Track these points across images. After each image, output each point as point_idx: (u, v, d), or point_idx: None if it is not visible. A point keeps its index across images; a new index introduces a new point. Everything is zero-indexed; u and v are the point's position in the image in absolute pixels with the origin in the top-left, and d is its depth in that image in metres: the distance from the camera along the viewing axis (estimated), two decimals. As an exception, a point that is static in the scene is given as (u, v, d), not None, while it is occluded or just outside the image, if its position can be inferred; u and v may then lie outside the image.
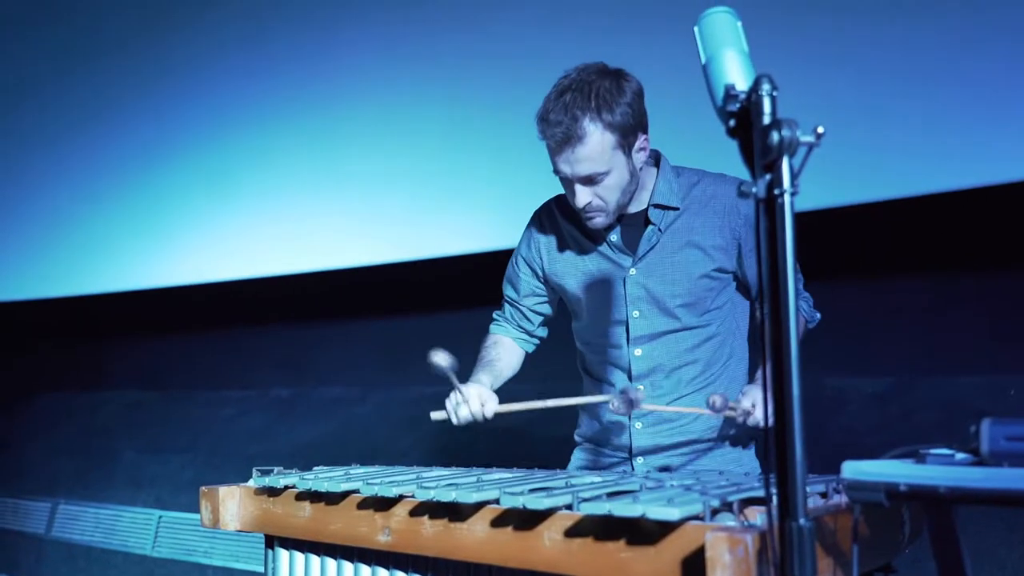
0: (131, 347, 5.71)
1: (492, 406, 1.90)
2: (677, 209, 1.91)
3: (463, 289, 4.10)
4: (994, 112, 2.67)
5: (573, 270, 1.99)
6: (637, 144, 1.83)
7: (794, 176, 1.05)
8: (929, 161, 2.79)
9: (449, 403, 1.91)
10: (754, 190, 1.06)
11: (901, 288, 3.04)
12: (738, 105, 1.09)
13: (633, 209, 1.92)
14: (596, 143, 1.77)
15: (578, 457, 2.09)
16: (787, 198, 1.05)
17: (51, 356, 6.07)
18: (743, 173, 1.09)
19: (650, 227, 1.91)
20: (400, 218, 4.18)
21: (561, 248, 2.01)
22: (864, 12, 2.83)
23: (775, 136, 1.03)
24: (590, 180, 1.81)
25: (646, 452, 1.96)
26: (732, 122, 1.10)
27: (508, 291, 2.13)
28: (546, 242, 2.04)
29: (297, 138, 4.52)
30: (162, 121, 5.09)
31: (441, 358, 1.87)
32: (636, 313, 1.92)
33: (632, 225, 1.93)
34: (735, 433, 1.96)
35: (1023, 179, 2.62)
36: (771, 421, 1.62)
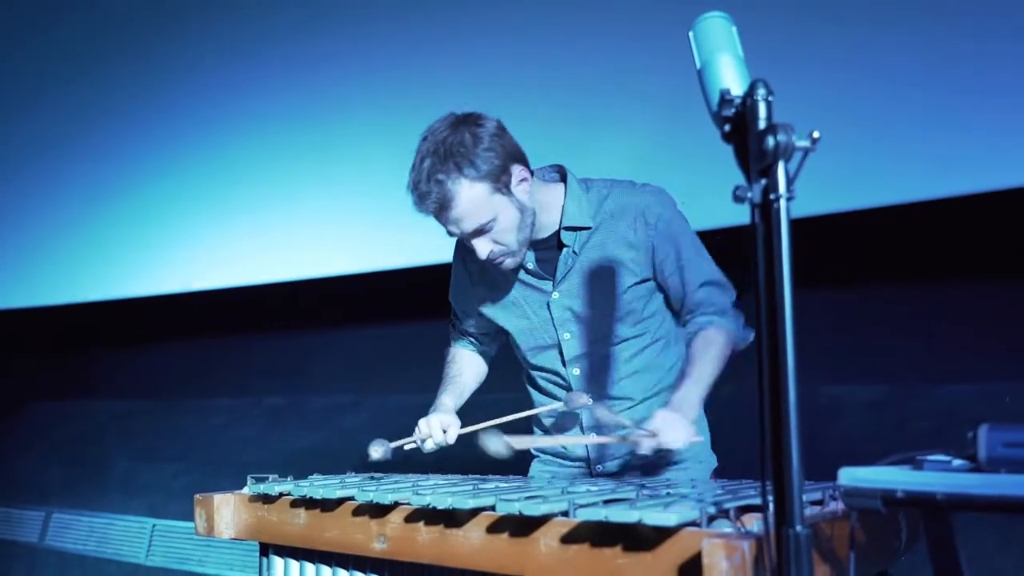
0: (124, 355, 5.68)
1: (454, 432, 1.94)
2: (589, 228, 1.88)
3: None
4: (991, 118, 2.67)
5: (498, 300, 1.99)
6: (514, 179, 1.80)
7: (790, 181, 1.05)
8: (925, 167, 2.79)
9: (416, 436, 1.95)
10: (750, 195, 1.06)
11: (897, 295, 3.04)
12: (733, 110, 1.09)
13: (544, 234, 1.90)
14: (468, 199, 1.76)
15: (537, 468, 2.09)
16: (783, 203, 1.05)
17: (44, 364, 6.05)
18: (739, 178, 1.09)
19: (565, 250, 1.90)
20: (393, 225, 4.16)
21: (483, 278, 2.01)
22: (860, 17, 2.84)
23: (771, 141, 1.03)
24: (480, 232, 1.80)
25: (603, 461, 1.97)
26: (727, 127, 1.10)
27: (457, 318, 2.16)
28: (468, 274, 2.05)
29: (289, 146, 4.51)
30: (153, 131, 5.08)
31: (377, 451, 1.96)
32: (567, 335, 1.93)
33: (546, 249, 1.92)
34: (644, 459, 1.84)
35: (1020, 186, 2.62)
36: (679, 445, 1.64)
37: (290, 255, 4.51)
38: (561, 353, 1.93)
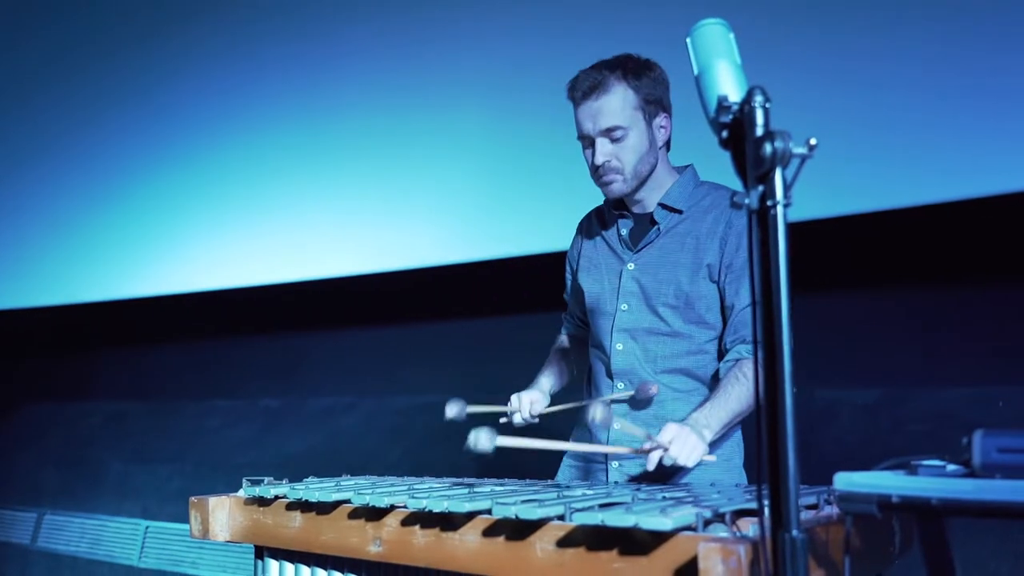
0: (118, 357, 5.67)
1: (537, 407, 2.00)
2: (680, 212, 1.95)
3: (454, 299, 4.10)
4: (987, 123, 2.68)
5: (588, 263, 2.07)
6: (658, 120, 1.92)
7: (787, 188, 1.06)
8: (920, 173, 2.80)
9: (508, 407, 2.00)
10: (747, 201, 1.07)
11: (892, 300, 3.04)
12: (731, 116, 1.10)
13: (646, 208, 1.98)
14: (619, 96, 1.86)
15: (566, 464, 2.11)
16: (780, 209, 1.05)
17: (37, 365, 6.03)
18: (735, 184, 1.10)
19: (654, 226, 1.97)
20: (390, 228, 4.18)
21: (590, 247, 2.09)
22: (858, 24, 2.85)
23: (768, 148, 1.04)
24: (609, 134, 1.87)
25: (620, 457, 1.96)
26: (725, 133, 1.10)
27: (567, 296, 2.23)
28: (581, 242, 2.13)
29: (286, 148, 4.51)
30: (149, 132, 5.08)
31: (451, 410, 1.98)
32: (625, 306, 1.97)
33: (640, 223, 1.99)
34: (653, 471, 1.82)
35: (1015, 191, 2.63)
36: (690, 463, 1.65)
37: (286, 257, 4.50)
38: (613, 322, 1.97)
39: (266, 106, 4.60)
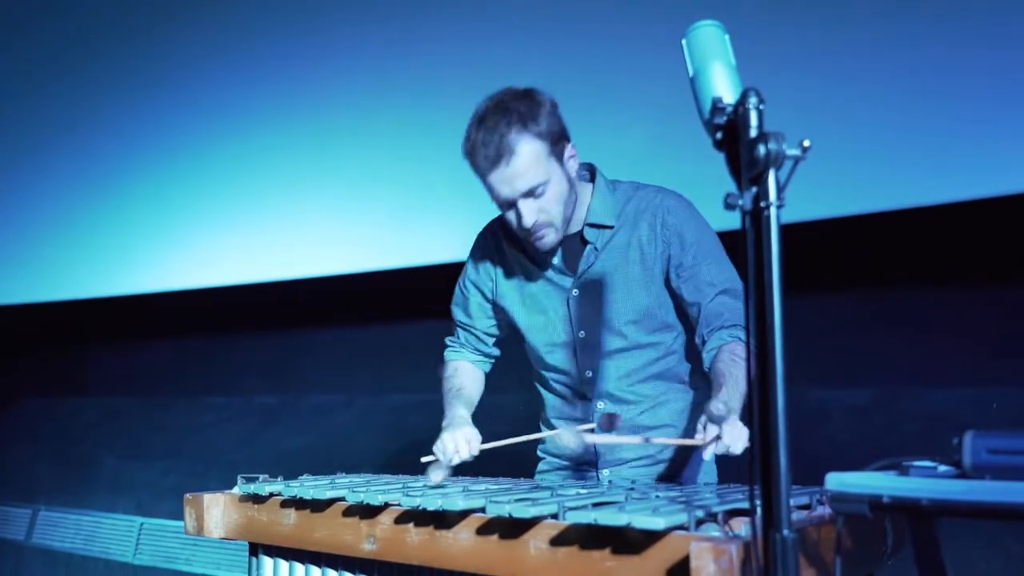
0: (114, 353, 5.67)
1: (475, 445, 1.85)
2: (611, 227, 1.89)
3: (450, 297, 4.10)
4: (982, 126, 2.69)
5: (519, 294, 1.98)
6: (567, 152, 1.82)
7: (780, 189, 1.06)
8: (913, 175, 2.81)
9: (438, 449, 1.86)
10: (741, 202, 1.07)
11: (885, 300, 3.05)
12: (725, 118, 1.10)
13: (571, 230, 1.90)
14: (529, 153, 1.75)
15: (542, 469, 2.10)
16: (773, 211, 1.06)
17: (33, 361, 6.02)
18: (731, 186, 1.10)
19: (587, 246, 1.90)
20: (386, 225, 4.18)
21: (507, 272, 2.01)
22: (854, 25, 2.86)
23: (761, 149, 1.04)
24: (531, 194, 1.78)
25: (611, 464, 1.97)
26: (719, 135, 1.11)
27: (459, 316, 2.12)
28: (491, 266, 2.03)
29: (282, 145, 4.51)
30: (145, 128, 5.07)
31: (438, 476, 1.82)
32: (583, 334, 1.92)
33: (571, 245, 1.92)
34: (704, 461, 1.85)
35: (1010, 192, 2.64)
36: (739, 450, 1.63)
37: (282, 254, 4.50)
38: (575, 352, 1.92)
39: (262, 103, 4.60)
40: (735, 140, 1.08)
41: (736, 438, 1.61)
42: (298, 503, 1.70)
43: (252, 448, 4.51)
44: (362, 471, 2.06)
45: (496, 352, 2.15)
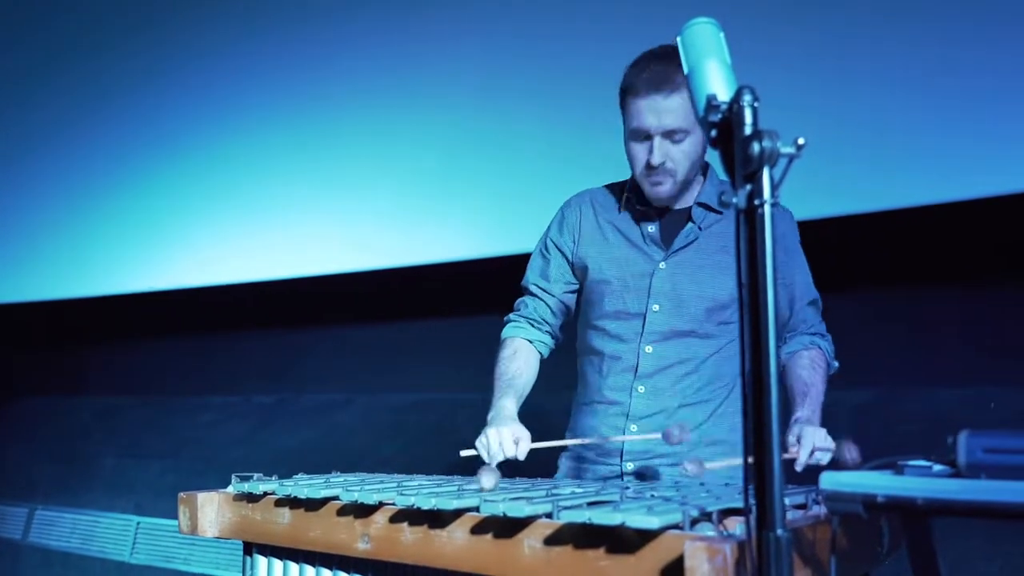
0: (112, 351, 5.66)
1: (525, 446, 1.80)
2: (720, 213, 1.90)
3: (448, 296, 4.10)
4: (981, 126, 2.69)
5: (602, 255, 1.96)
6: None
7: (775, 187, 1.06)
8: (912, 174, 2.81)
9: (481, 444, 1.81)
10: (735, 200, 1.07)
11: (884, 300, 3.05)
12: (720, 115, 1.10)
13: (682, 204, 1.92)
14: (686, 99, 1.72)
15: (565, 465, 2.06)
16: (767, 208, 1.05)
17: (31, 360, 6.02)
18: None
19: (690, 224, 1.90)
20: (385, 224, 4.18)
21: (594, 234, 1.98)
22: (849, 24, 2.86)
23: (756, 147, 1.04)
24: (671, 136, 1.79)
25: (636, 458, 1.93)
26: (714, 132, 1.10)
27: (537, 280, 2.05)
28: (580, 226, 2.00)
29: (282, 144, 4.51)
30: (146, 127, 5.07)
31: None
32: (656, 307, 1.90)
33: (674, 220, 1.92)
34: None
35: (1008, 193, 2.64)
36: (827, 459, 1.66)
37: (281, 253, 4.50)
38: (644, 324, 1.90)
39: (262, 103, 4.60)
40: (729, 137, 1.08)
41: (824, 449, 1.68)
42: (292, 502, 1.70)
43: (250, 447, 4.51)
44: (360, 470, 2.06)
45: (559, 334, 2.08)
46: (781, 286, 1.88)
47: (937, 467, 1.14)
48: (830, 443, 1.70)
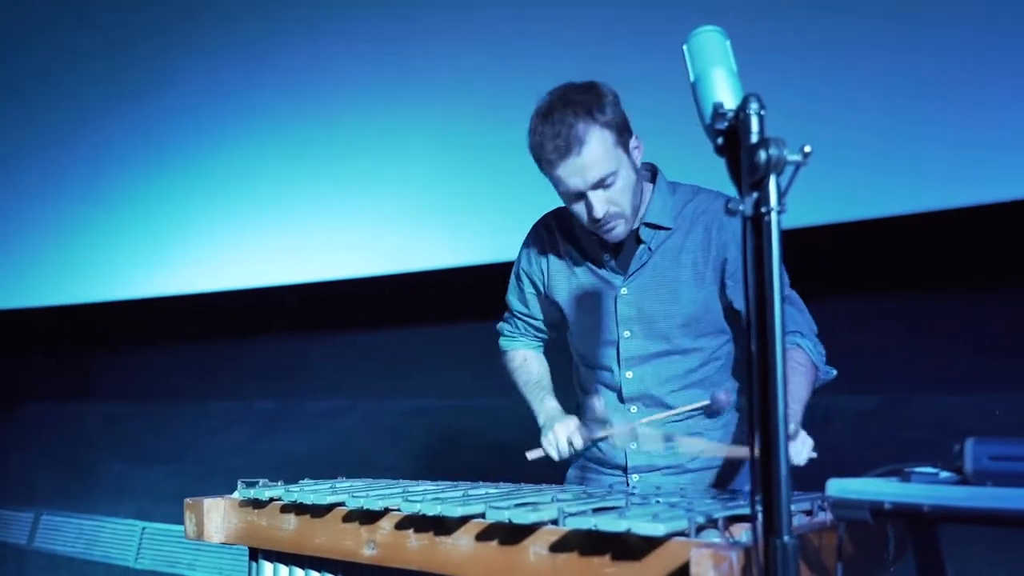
0: (117, 357, 5.67)
1: (579, 440, 1.85)
2: (668, 229, 1.87)
3: (451, 302, 4.10)
4: (983, 133, 2.69)
5: (568, 286, 1.97)
6: (632, 142, 1.80)
7: (781, 194, 1.06)
8: (919, 180, 2.81)
9: (549, 443, 1.87)
10: (741, 208, 1.07)
11: (889, 306, 3.05)
12: (726, 123, 1.10)
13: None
14: (598, 143, 1.73)
15: (572, 475, 2.07)
16: (774, 216, 1.05)
17: (36, 365, 6.03)
18: (731, 190, 1.10)
19: (641, 246, 1.88)
20: (389, 230, 4.18)
21: (558, 264, 1.99)
22: (855, 32, 2.86)
23: (762, 155, 1.04)
24: (602, 184, 1.76)
25: (640, 471, 1.94)
26: (720, 140, 1.10)
27: (516, 305, 2.10)
28: (544, 257, 2.01)
29: (287, 150, 4.52)
30: (150, 133, 5.09)
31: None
32: (627, 333, 1.90)
33: (625, 244, 1.90)
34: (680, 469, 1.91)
35: (1015, 199, 2.64)
36: (802, 461, 1.64)
37: (285, 259, 4.51)
38: (618, 352, 1.90)
39: (265, 109, 4.61)
40: (736, 145, 1.08)
41: (800, 450, 1.64)
42: (298, 508, 1.70)
43: (254, 453, 4.51)
44: (364, 476, 2.06)
45: (550, 336, 2.13)
46: (739, 285, 1.84)
47: (944, 474, 1.14)
48: (804, 447, 1.67)
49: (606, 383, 1.95)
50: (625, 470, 1.96)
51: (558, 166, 1.76)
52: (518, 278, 2.08)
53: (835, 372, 1.93)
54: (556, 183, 1.80)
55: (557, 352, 2.13)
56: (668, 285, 1.87)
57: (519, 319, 2.11)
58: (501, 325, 2.15)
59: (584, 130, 1.73)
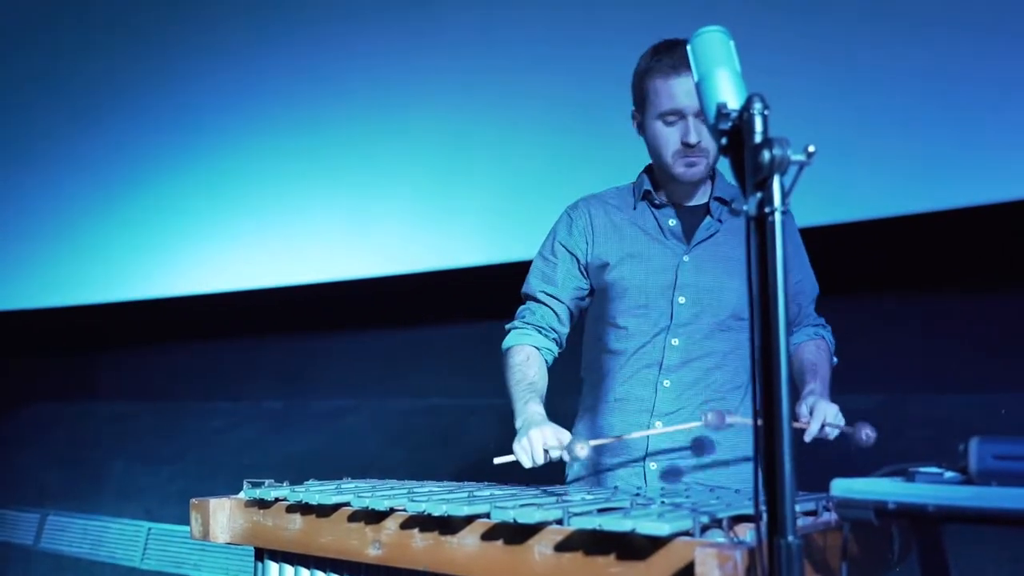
0: (123, 358, 5.69)
1: (556, 450, 1.74)
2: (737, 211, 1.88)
3: (457, 302, 4.11)
4: (986, 133, 2.69)
5: (622, 250, 1.93)
6: None
7: (785, 194, 1.06)
8: (922, 180, 2.81)
9: (522, 448, 1.75)
10: (745, 208, 1.07)
11: (893, 306, 3.04)
12: (730, 123, 1.10)
13: (699, 199, 1.93)
14: None
15: (578, 468, 2.03)
16: (777, 216, 1.06)
17: (42, 366, 6.05)
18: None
19: (708, 218, 1.92)
20: (394, 230, 4.19)
21: (609, 231, 1.96)
22: (858, 32, 2.86)
23: (766, 155, 1.04)
24: (702, 115, 1.75)
25: (660, 453, 1.92)
26: (724, 140, 1.11)
27: (543, 287, 2.00)
28: (591, 226, 1.97)
29: (291, 151, 4.53)
30: (155, 133, 5.10)
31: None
32: (682, 299, 1.89)
33: (689, 215, 1.93)
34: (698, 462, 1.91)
35: (1018, 198, 2.64)
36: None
37: (290, 260, 4.52)
38: (671, 317, 1.89)
39: (270, 110, 4.62)
40: (740, 145, 1.08)
41: (834, 425, 1.73)
42: (303, 508, 1.70)
43: (260, 453, 4.52)
44: (369, 476, 2.06)
45: (564, 343, 2.04)
46: (794, 281, 1.94)
47: (948, 474, 1.14)
48: (841, 420, 1.74)
49: (647, 351, 1.90)
50: (644, 458, 1.93)
51: (673, 78, 1.80)
52: (551, 255, 2.01)
53: (836, 360, 2.03)
54: (658, 100, 1.82)
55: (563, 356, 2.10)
56: (728, 261, 1.89)
57: (539, 304, 2.01)
58: (512, 323, 2.05)
59: None
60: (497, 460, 1.79)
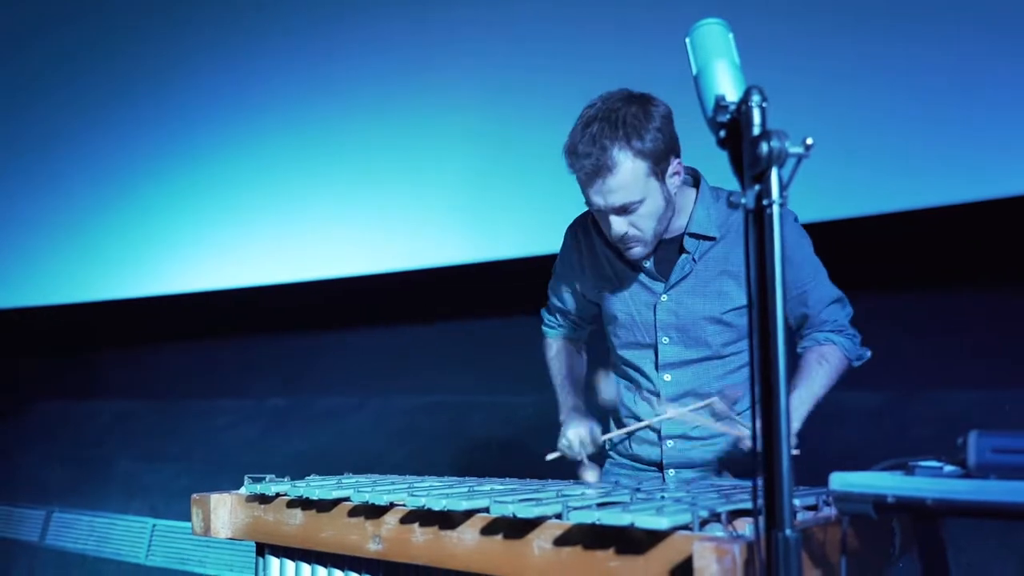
0: (127, 356, 5.70)
1: (597, 437, 1.95)
2: (714, 239, 1.86)
3: (460, 300, 4.11)
4: (994, 128, 2.68)
5: (606, 291, 1.98)
6: (670, 169, 1.78)
7: (783, 187, 1.06)
8: (925, 175, 2.79)
9: (564, 447, 1.96)
10: (743, 201, 1.07)
11: (897, 302, 3.03)
12: (728, 116, 1.10)
13: (669, 235, 1.87)
14: (627, 172, 1.72)
15: (611, 471, 2.08)
16: (776, 209, 1.05)
17: (47, 364, 6.06)
18: (731, 183, 1.10)
19: (684, 255, 1.87)
20: (399, 228, 4.19)
21: (595, 267, 1.99)
22: (857, 24, 2.85)
23: (764, 147, 1.04)
24: (624, 210, 1.76)
25: (676, 466, 1.96)
26: (722, 133, 1.11)
27: (555, 301, 2.14)
28: (580, 259, 2.02)
29: (293, 149, 4.52)
30: (157, 130, 5.10)
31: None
32: (666, 340, 1.91)
33: (666, 251, 1.89)
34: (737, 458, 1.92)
35: (1018, 194, 2.63)
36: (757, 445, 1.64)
37: (294, 256, 4.52)
38: (656, 356, 1.92)
39: (272, 107, 4.62)
40: (738, 138, 1.08)
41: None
42: (304, 503, 1.71)
43: (263, 450, 4.53)
44: (373, 473, 2.06)
45: (586, 335, 2.19)
46: (793, 297, 1.87)
47: (947, 468, 1.14)
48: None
49: (643, 382, 1.97)
50: (661, 466, 1.97)
51: (585, 183, 1.78)
52: (558, 280, 2.12)
53: (869, 353, 1.97)
54: (584, 194, 1.82)
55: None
56: (709, 296, 1.87)
57: (559, 314, 2.15)
58: (543, 312, 2.20)
59: (617, 157, 1.72)
60: (548, 456, 1.97)
